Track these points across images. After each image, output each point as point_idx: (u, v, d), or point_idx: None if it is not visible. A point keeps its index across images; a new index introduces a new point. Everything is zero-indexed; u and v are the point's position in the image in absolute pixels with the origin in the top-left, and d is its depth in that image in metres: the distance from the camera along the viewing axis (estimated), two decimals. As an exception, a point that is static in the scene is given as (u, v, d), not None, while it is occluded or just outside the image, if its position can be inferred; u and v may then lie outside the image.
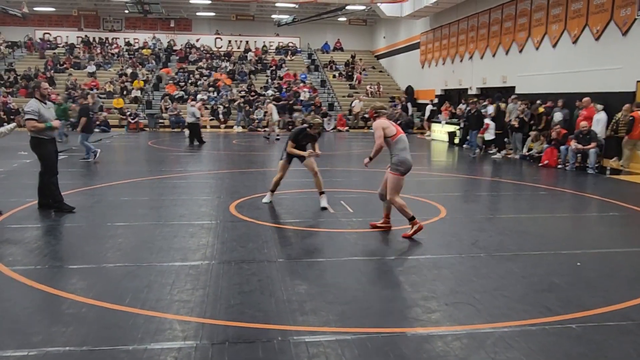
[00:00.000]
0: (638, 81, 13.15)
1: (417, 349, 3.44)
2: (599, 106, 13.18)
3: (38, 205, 7.41)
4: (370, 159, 6.35)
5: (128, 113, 24.81)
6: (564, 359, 3.35)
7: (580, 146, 12.04)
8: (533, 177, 11.44)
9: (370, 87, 29.94)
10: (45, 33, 33.33)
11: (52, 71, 28.78)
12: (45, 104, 7.20)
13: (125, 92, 27.35)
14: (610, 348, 3.51)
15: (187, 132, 18.86)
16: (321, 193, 7.82)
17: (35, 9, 30.86)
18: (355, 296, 4.36)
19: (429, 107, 24.46)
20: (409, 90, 28.32)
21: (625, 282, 4.85)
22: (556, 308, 4.14)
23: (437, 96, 25.47)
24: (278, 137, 19.77)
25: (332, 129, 26.04)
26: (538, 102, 15.50)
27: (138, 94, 27.42)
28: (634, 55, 13.27)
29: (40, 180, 7.31)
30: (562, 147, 12.58)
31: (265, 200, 8.07)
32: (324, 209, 7.66)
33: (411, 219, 6.17)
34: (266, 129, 22.61)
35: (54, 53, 31.07)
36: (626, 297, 4.40)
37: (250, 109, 25.96)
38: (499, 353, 3.39)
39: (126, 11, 30.05)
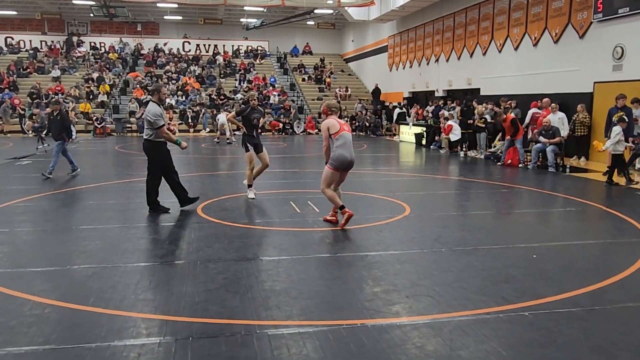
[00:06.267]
0: (595, 82, 13.63)
1: (377, 339, 3.55)
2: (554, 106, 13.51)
3: (180, 203, 7.76)
4: (326, 162, 6.71)
5: (94, 118, 24.45)
6: (516, 344, 3.50)
7: (546, 140, 12.37)
8: (496, 175, 11.74)
9: (340, 91, 30.19)
10: (7, 37, 32.59)
11: (15, 76, 28.14)
12: (160, 106, 7.55)
13: (91, 97, 26.97)
14: (560, 333, 3.68)
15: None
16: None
17: (-4, 12, 30.20)
18: (319, 291, 4.46)
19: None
20: (376, 92, 28.58)
21: (578, 272, 5.07)
22: (511, 298, 4.31)
23: (405, 98, 25.84)
24: (229, 141, 20.23)
25: (301, 132, 26.16)
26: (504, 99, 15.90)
27: (105, 98, 27.04)
28: (590, 57, 13.75)
29: (152, 183, 7.52)
30: (517, 141, 13.05)
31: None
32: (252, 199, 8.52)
33: (341, 208, 6.59)
34: (236, 132, 22.48)
35: (17, 57, 30.40)
36: (577, 285, 4.61)
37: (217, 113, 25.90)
38: (454, 340, 3.53)
39: (91, 15, 29.60)
